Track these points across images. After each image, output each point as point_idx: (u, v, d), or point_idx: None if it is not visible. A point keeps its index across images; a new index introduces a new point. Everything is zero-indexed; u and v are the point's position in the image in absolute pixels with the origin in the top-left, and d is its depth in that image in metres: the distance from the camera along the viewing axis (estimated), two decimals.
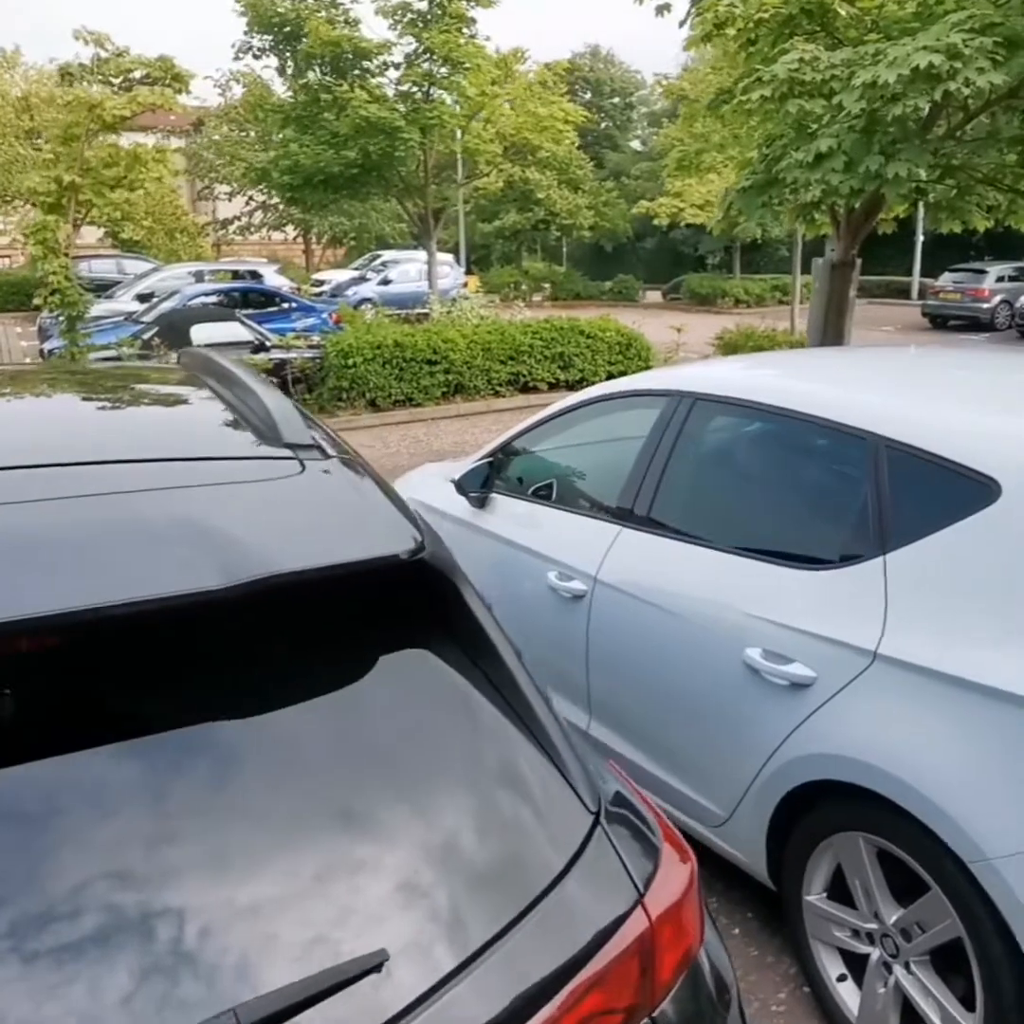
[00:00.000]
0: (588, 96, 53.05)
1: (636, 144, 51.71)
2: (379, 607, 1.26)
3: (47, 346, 14.48)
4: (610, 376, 12.66)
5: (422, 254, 19.02)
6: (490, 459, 4.01)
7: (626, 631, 3.09)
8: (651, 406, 3.29)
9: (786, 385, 2.96)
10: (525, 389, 12.94)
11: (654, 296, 32.73)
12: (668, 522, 3.09)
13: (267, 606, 1.12)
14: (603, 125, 54.62)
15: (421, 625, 1.29)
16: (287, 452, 1.39)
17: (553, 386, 12.88)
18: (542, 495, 3.74)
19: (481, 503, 3.96)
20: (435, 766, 1.19)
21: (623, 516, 3.23)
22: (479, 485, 3.93)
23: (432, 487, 4.39)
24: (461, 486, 3.93)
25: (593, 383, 12.06)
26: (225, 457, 1.40)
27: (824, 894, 2.52)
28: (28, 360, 17.28)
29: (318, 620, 1.22)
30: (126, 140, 18.89)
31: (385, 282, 26.23)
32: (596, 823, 1.21)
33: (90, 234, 34.27)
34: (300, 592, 1.14)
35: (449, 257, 28.22)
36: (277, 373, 12.23)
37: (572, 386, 12.30)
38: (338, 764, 1.15)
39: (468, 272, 34.26)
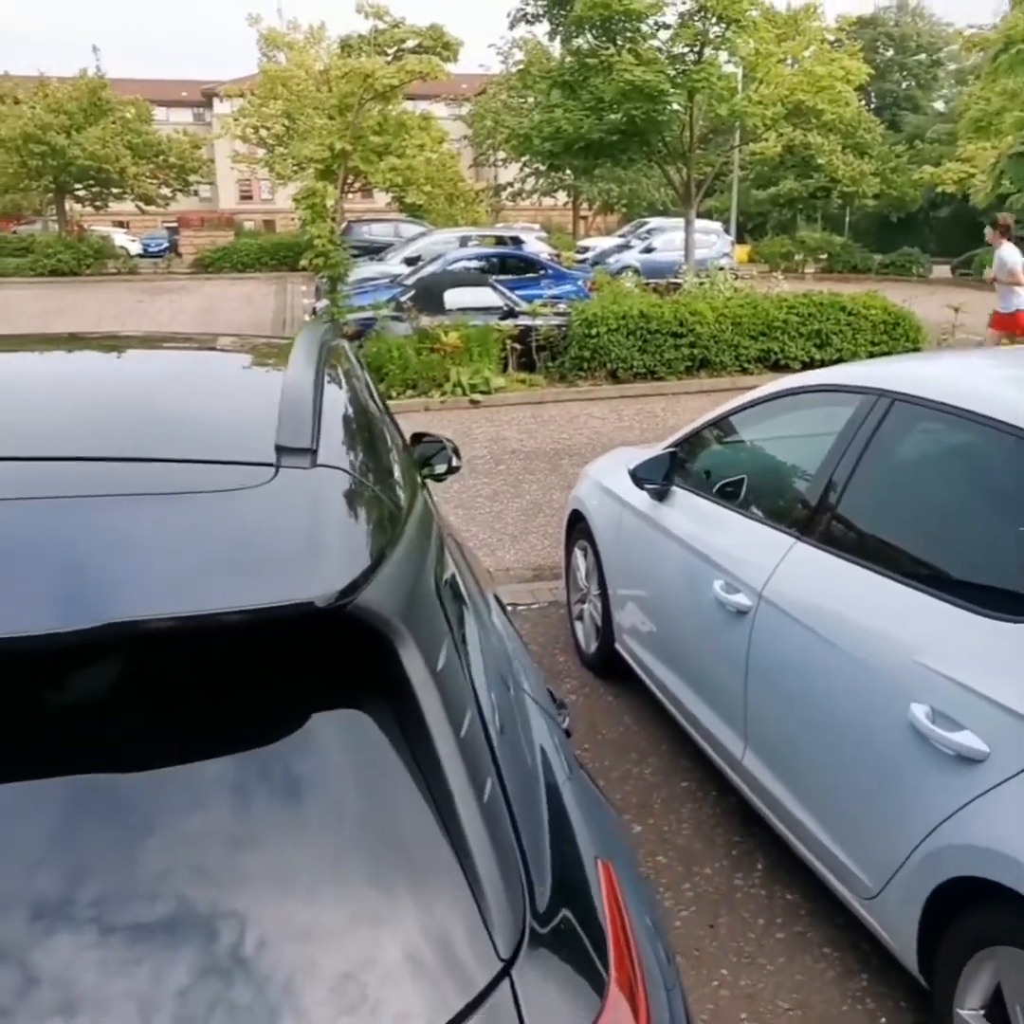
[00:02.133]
0: (890, 54, 49.44)
1: (940, 105, 47.70)
2: (288, 657, 1.04)
3: (318, 305, 15.34)
4: (871, 356, 11.68)
5: None
6: (673, 450, 3.70)
7: (787, 660, 2.72)
8: (845, 404, 2.86)
9: (1001, 392, 2.44)
10: (776, 367, 12.21)
11: (943, 271, 30.07)
12: (844, 540, 2.67)
13: (123, 654, 0.95)
14: (904, 85, 50.78)
15: (342, 686, 1.06)
16: (269, 457, 1.21)
17: (807, 365, 12.05)
18: (727, 494, 3.39)
19: (660, 496, 3.66)
20: (302, 875, 0.94)
21: (798, 527, 2.84)
22: (659, 477, 3.63)
23: (619, 473, 4.14)
24: (636, 476, 3.65)
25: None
26: (191, 460, 1.22)
27: (981, 1011, 2.08)
28: (307, 316, 18.36)
29: (196, 670, 1.02)
30: (412, 108, 19.57)
31: (648, 250, 25.78)
32: (504, 974, 0.91)
33: (381, 199, 36.16)
34: (170, 639, 0.95)
35: (716, 225, 27.24)
36: (522, 340, 12.26)
37: (828, 366, 11.46)
38: (186, 843, 0.94)
39: (741, 241, 33.03)
